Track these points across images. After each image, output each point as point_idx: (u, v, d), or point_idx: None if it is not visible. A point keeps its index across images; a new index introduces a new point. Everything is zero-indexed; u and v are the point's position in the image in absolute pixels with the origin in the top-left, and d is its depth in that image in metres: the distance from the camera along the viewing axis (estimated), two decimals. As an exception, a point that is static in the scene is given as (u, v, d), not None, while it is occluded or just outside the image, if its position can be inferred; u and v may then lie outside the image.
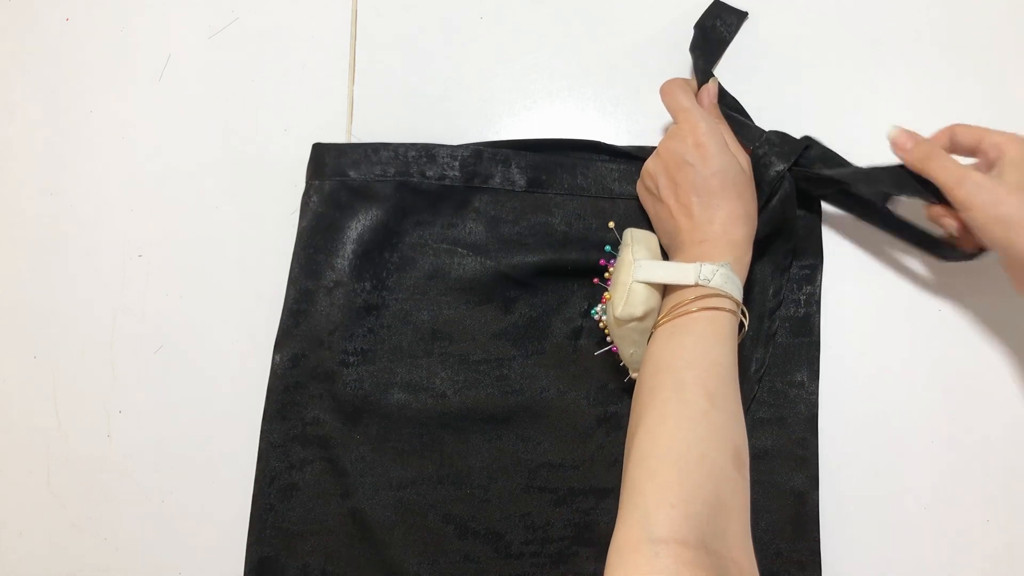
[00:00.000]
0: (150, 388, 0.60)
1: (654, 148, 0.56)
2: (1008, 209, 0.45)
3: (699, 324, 0.48)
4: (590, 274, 0.56)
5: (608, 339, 0.52)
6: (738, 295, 0.49)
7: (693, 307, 0.48)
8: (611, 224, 0.55)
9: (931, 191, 0.49)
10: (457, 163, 0.58)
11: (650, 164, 0.54)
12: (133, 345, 0.61)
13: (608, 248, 0.54)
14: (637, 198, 0.57)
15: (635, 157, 0.58)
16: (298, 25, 0.64)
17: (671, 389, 0.45)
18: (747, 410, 0.54)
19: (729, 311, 0.48)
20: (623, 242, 0.53)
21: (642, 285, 0.49)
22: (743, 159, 0.53)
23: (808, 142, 0.55)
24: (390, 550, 0.54)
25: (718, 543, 0.40)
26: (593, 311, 0.53)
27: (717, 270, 0.48)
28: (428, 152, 0.58)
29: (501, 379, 0.56)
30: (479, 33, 0.62)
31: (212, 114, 0.63)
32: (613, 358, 0.55)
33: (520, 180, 0.58)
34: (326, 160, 0.59)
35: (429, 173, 0.58)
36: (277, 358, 0.57)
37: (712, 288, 0.48)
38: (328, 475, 0.56)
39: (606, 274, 0.53)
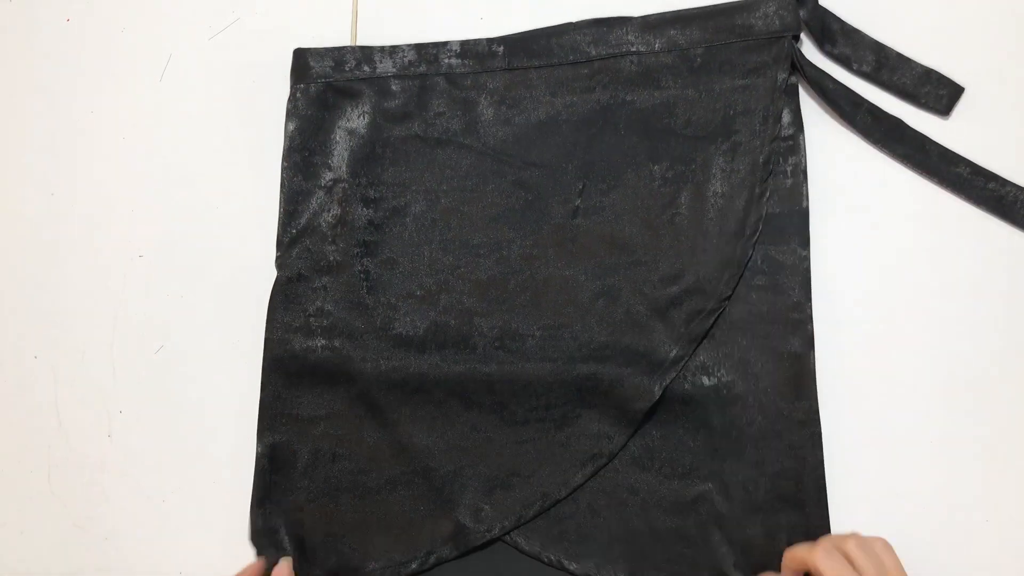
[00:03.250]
0: (150, 388, 0.60)
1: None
2: None
3: None
4: (579, 149, 0.58)
5: None
6: None
7: None
8: None
9: None
10: (440, 56, 0.60)
11: None
12: (133, 345, 0.61)
13: None
14: (613, 56, 0.58)
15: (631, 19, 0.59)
16: (298, 25, 0.64)
17: None
18: (741, 275, 0.55)
19: None
20: None
21: None
22: None
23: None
24: (399, 427, 0.56)
25: None
26: None
27: None
28: (412, 49, 0.60)
29: (501, 260, 0.58)
30: (479, 34, 0.62)
31: (213, 114, 0.63)
32: (612, 233, 0.57)
33: (501, 62, 0.60)
34: (310, 63, 0.60)
35: (414, 69, 0.60)
36: (279, 252, 0.59)
37: None
38: (333, 363, 0.57)
39: None
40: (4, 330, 0.62)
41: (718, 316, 0.55)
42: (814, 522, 0.52)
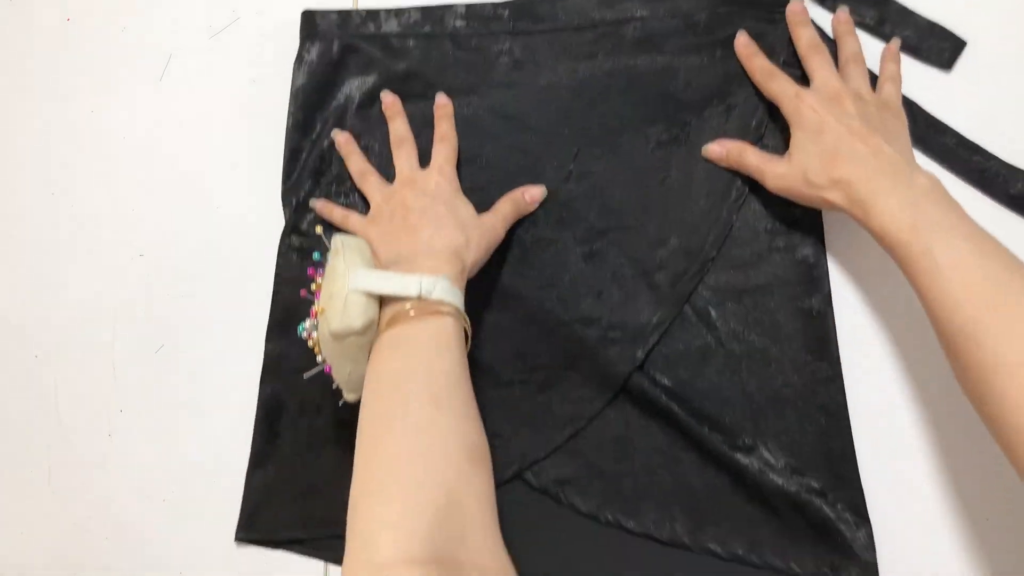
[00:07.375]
0: (150, 388, 0.60)
1: None
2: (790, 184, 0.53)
3: (422, 333, 0.47)
4: (577, 115, 0.58)
5: (319, 359, 0.50)
6: (460, 305, 0.49)
7: (413, 312, 0.47)
8: (319, 230, 0.55)
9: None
10: (446, 18, 0.60)
11: (385, 192, 0.56)
12: (134, 345, 0.61)
13: (316, 255, 0.52)
14: (617, 22, 0.59)
15: None
16: (298, 25, 0.64)
17: (395, 404, 0.44)
18: (727, 237, 0.56)
19: (452, 316, 0.48)
20: (333, 248, 0.50)
21: (360, 295, 0.47)
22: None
23: None
24: None
25: (456, 548, 0.39)
26: (300, 328, 0.50)
27: (437, 282, 0.47)
28: (418, 11, 0.61)
29: None
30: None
31: (213, 114, 0.63)
32: (602, 198, 0.57)
33: (505, 26, 0.60)
34: (317, 23, 0.61)
35: (419, 29, 0.60)
36: (285, 207, 0.60)
37: (434, 300, 0.47)
38: None
39: (313, 285, 0.51)
40: (4, 330, 0.62)
41: (702, 278, 0.56)
42: (847, 479, 0.53)
